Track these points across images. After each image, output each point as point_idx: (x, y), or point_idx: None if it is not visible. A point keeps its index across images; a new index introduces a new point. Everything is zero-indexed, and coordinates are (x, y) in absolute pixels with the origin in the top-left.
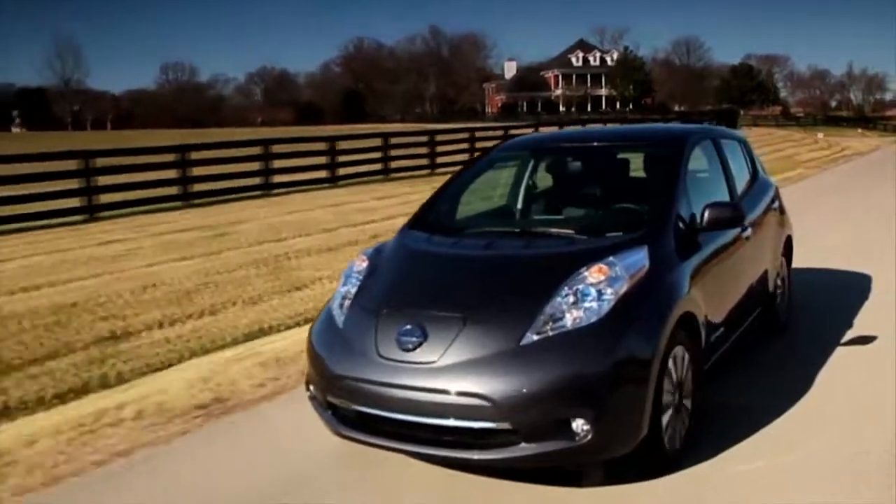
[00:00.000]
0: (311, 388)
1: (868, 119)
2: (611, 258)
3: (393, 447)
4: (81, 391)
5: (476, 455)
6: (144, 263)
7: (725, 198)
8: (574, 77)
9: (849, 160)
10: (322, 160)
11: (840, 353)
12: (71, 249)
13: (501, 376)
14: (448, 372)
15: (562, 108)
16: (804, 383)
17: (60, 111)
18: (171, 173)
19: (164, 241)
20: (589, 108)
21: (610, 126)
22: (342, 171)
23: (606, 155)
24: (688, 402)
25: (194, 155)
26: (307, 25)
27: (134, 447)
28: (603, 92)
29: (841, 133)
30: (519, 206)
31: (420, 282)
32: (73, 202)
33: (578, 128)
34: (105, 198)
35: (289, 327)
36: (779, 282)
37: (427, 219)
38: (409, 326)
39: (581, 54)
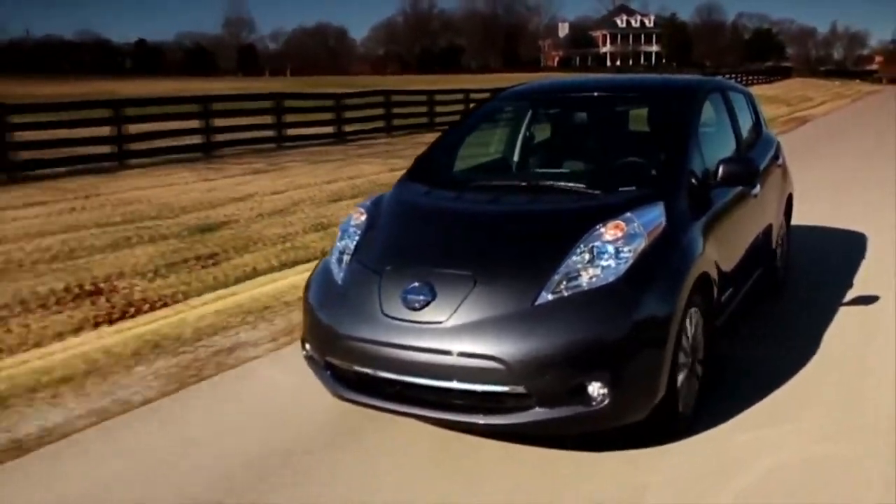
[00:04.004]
0: (308, 347)
1: (851, 73)
2: (628, 214)
3: (396, 410)
4: None
5: (485, 420)
6: None
7: (732, 153)
8: (619, 36)
9: (875, 93)
10: None
11: None
12: None
13: (516, 338)
14: (458, 333)
15: (608, 63)
16: None
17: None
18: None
19: None
20: (630, 63)
21: (616, 76)
22: None
23: (613, 106)
24: (699, 364)
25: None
26: None
27: None
28: (643, 49)
29: (845, 83)
30: (517, 159)
31: (425, 238)
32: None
33: (583, 76)
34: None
35: None
36: (779, 240)
37: (426, 171)
38: (416, 284)
39: (625, 17)
